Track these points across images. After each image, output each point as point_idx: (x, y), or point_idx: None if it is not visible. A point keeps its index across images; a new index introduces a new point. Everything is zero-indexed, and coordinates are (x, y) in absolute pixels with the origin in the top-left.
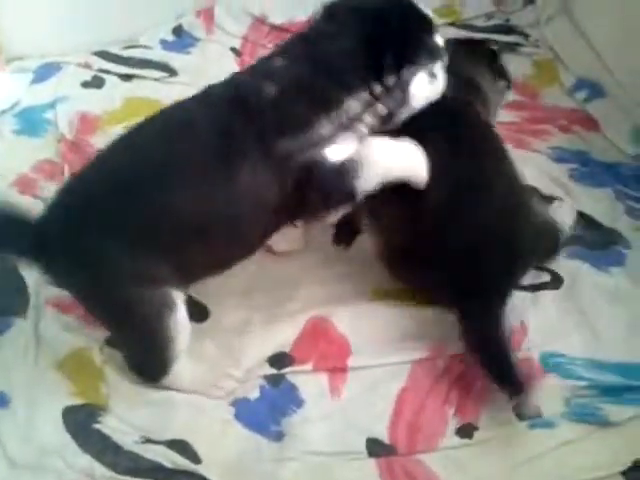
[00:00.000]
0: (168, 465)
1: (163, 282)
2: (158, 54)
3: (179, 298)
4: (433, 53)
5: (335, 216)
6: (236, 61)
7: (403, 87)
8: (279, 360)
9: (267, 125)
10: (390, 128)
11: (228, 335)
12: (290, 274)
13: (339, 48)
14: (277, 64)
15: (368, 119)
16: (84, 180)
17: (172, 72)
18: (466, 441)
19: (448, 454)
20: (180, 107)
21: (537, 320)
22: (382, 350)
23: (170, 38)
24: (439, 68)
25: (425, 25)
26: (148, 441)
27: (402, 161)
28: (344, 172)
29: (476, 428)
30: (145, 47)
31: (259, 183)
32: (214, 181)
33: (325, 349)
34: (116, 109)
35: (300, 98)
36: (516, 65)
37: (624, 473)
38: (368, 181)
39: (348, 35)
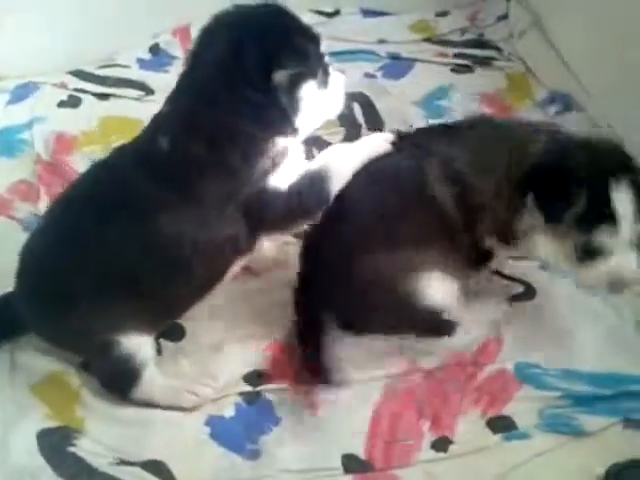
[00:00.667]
0: None
1: (126, 330)
2: (135, 73)
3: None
4: (310, 60)
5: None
6: None
7: (288, 93)
8: (255, 378)
9: (172, 175)
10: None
11: (204, 353)
12: (267, 291)
13: (212, 71)
14: (163, 112)
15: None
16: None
17: (149, 91)
18: (441, 455)
19: (424, 468)
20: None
21: (512, 331)
22: (357, 367)
23: (147, 57)
24: (334, 80)
25: (302, 33)
26: (123, 462)
27: (362, 156)
28: (309, 187)
29: (451, 442)
30: (122, 66)
31: (189, 228)
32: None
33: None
34: (93, 129)
35: (193, 140)
36: (490, 79)
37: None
38: (338, 185)
39: (218, 54)
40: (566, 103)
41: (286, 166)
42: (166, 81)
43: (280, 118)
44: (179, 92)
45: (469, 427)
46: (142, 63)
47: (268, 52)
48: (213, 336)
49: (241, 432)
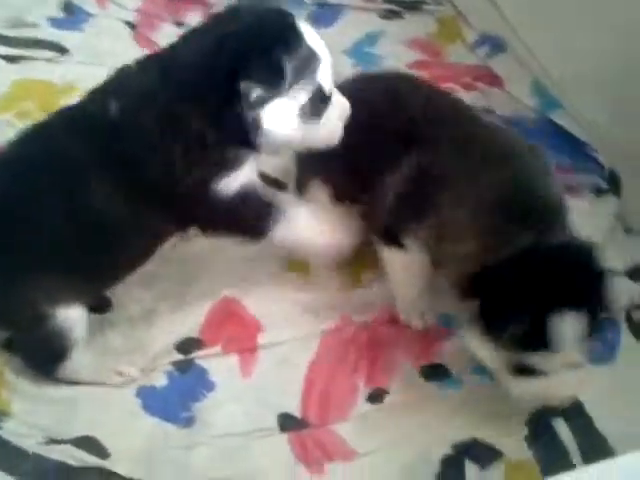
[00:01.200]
0: (74, 464)
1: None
2: (47, 32)
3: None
4: (286, 82)
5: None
6: (132, 36)
7: (253, 108)
8: (187, 345)
9: (112, 143)
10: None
11: (133, 324)
12: (195, 257)
13: (189, 58)
14: (125, 76)
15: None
16: None
17: (64, 51)
18: (377, 406)
19: (359, 420)
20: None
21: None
22: (291, 325)
23: (59, 15)
24: (332, 111)
25: (296, 50)
26: (53, 441)
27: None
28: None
29: (386, 392)
30: (32, 25)
31: (118, 203)
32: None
33: (234, 330)
34: (5, 93)
35: (145, 117)
36: (420, 24)
37: (528, 421)
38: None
39: (202, 45)
40: (497, 45)
41: (236, 175)
42: (81, 40)
43: (236, 130)
44: (151, 62)
45: (403, 377)
46: (54, 22)
47: (243, 58)
48: (142, 306)
49: (174, 400)
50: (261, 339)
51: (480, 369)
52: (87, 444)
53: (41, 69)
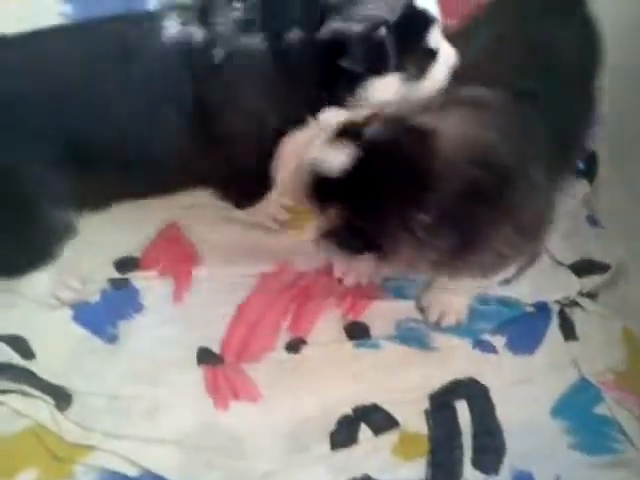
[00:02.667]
0: (1, 359)
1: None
2: None
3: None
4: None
5: None
6: None
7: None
8: (126, 264)
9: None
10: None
11: (76, 239)
12: None
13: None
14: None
15: None
16: None
17: None
18: (292, 355)
19: (272, 365)
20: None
21: None
22: (232, 262)
23: None
24: (437, 66)
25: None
26: None
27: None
28: None
29: (305, 342)
30: None
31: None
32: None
33: (175, 257)
34: None
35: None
36: None
37: (431, 396)
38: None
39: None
40: None
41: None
42: None
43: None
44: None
45: (325, 330)
46: None
47: (346, 36)
48: (87, 223)
49: (103, 316)
50: (199, 270)
51: (402, 337)
52: (16, 343)
53: None
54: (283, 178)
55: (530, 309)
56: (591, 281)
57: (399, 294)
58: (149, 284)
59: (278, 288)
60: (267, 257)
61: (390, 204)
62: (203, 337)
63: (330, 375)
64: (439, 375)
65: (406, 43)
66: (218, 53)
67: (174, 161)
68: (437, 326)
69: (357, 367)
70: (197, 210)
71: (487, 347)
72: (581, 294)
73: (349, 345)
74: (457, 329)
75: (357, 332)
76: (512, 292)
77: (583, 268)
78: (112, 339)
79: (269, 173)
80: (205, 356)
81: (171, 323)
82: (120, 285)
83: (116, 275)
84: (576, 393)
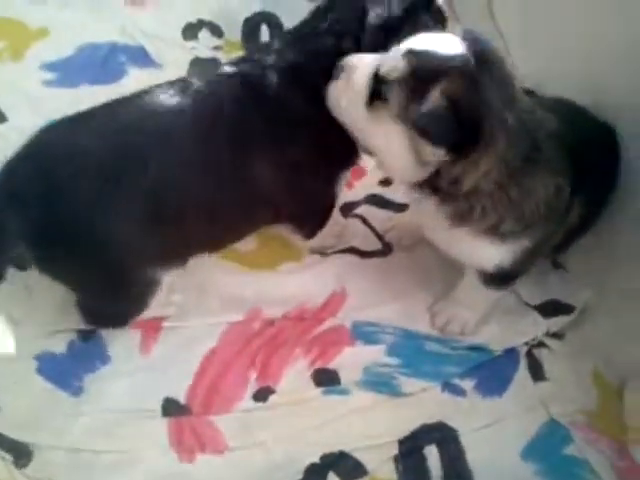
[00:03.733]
0: None
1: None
2: None
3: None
4: None
5: None
6: None
7: None
8: None
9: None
10: None
11: (45, 286)
12: None
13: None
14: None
15: None
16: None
17: None
18: (260, 404)
19: (240, 416)
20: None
21: (359, 287)
22: (201, 310)
23: None
24: None
25: None
26: None
27: None
28: None
29: (273, 391)
30: None
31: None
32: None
33: None
34: None
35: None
36: None
37: (400, 441)
38: None
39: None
40: None
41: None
42: None
43: None
44: (300, 39)
45: (294, 378)
46: None
47: None
48: None
49: (69, 369)
50: (166, 321)
51: (370, 382)
52: None
53: (19, 9)
54: None
55: (499, 353)
56: (557, 322)
57: (369, 340)
58: (116, 335)
59: (248, 336)
60: (237, 303)
61: None
62: (169, 388)
63: (298, 424)
64: (408, 420)
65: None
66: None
67: (254, 207)
68: (441, 332)
69: (325, 414)
70: None
71: (456, 390)
72: (548, 335)
73: (317, 392)
74: (426, 373)
75: (326, 379)
76: (481, 338)
77: (549, 309)
78: (77, 392)
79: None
80: (171, 407)
81: (137, 374)
82: (88, 336)
83: (83, 325)
84: (546, 435)
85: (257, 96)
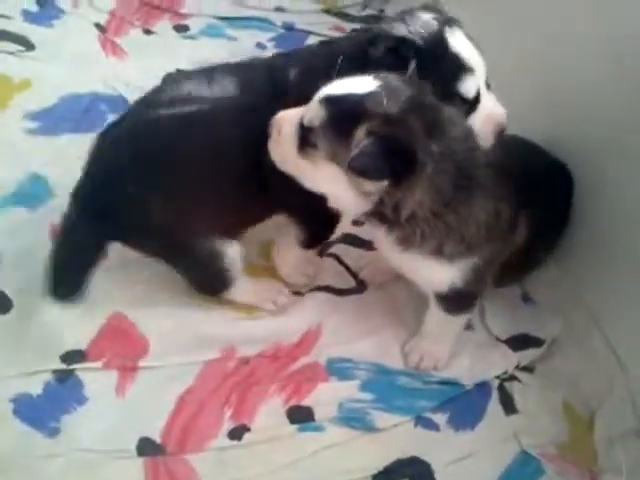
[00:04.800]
0: None
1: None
2: (18, 25)
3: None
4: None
5: None
6: (99, 38)
7: None
8: (71, 357)
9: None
10: None
11: (24, 328)
12: (104, 269)
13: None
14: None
15: None
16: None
17: (29, 46)
18: (234, 442)
19: (214, 455)
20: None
21: (334, 324)
22: (176, 350)
23: (34, 9)
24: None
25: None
26: None
27: None
28: None
29: (248, 429)
30: (4, 17)
31: None
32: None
33: (121, 348)
34: None
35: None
36: None
37: (374, 477)
38: None
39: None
40: None
41: None
42: (48, 36)
43: None
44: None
45: (269, 416)
46: (27, 15)
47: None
48: (39, 312)
49: (45, 410)
50: (144, 361)
51: (344, 418)
52: None
53: (2, 61)
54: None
55: (470, 387)
56: (527, 355)
57: (343, 376)
58: (94, 376)
59: (223, 375)
60: (212, 343)
61: None
62: (144, 427)
63: (273, 461)
64: (382, 455)
65: (433, 77)
66: None
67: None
68: (416, 370)
69: (300, 452)
70: (144, 300)
71: (429, 424)
72: (518, 368)
73: (292, 429)
74: (399, 408)
75: (300, 416)
76: (453, 372)
77: (519, 343)
78: (53, 433)
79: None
80: (146, 447)
81: (113, 415)
82: (65, 377)
83: (62, 366)
84: (518, 467)
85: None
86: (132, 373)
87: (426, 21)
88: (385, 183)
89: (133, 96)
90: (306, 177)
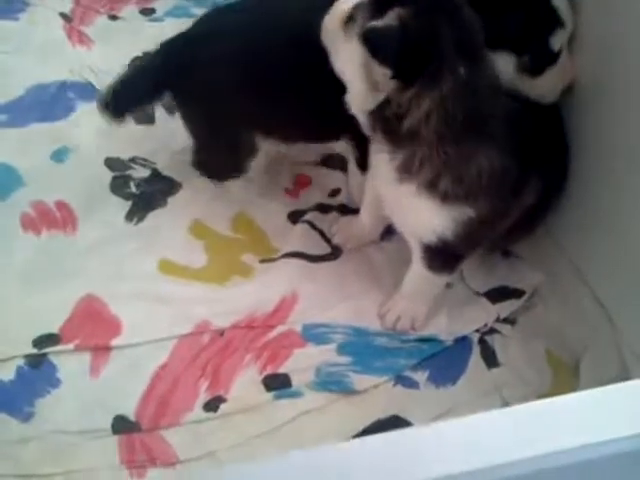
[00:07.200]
0: None
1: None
2: None
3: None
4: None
5: None
6: (64, 27)
7: None
8: (44, 340)
9: None
10: None
11: None
12: (73, 251)
13: None
14: None
15: None
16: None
17: None
18: (210, 414)
19: (191, 428)
20: None
21: (309, 290)
22: (150, 327)
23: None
24: None
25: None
26: None
27: None
28: None
29: (224, 400)
30: None
31: None
32: None
33: (93, 329)
34: None
35: None
36: None
37: (353, 437)
38: None
39: None
40: None
41: None
42: (13, 29)
43: None
44: None
45: (245, 385)
46: None
47: None
48: (10, 294)
49: (19, 395)
50: (117, 340)
51: (322, 382)
52: None
53: None
54: None
55: (450, 343)
56: (506, 307)
57: (319, 341)
58: (66, 358)
59: (197, 349)
60: (186, 317)
61: None
62: (119, 406)
63: (249, 431)
64: (361, 417)
65: (529, 31)
66: None
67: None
68: (393, 331)
69: (277, 419)
70: (115, 278)
71: (409, 383)
72: (499, 321)
73: (268, 397)
74: (377, 369)
75: (277, 383)
76: (431, 329)
77: (498, 295)
78: (27, 417)
79: None
80: (120, 424)
81: (87, 395)
82: (37, 362)
83: (33, 351)
84: None
85: None
86: (105, 353)
87: None
88: (390, 79)
89: (101, 82)
90: (335, 52)
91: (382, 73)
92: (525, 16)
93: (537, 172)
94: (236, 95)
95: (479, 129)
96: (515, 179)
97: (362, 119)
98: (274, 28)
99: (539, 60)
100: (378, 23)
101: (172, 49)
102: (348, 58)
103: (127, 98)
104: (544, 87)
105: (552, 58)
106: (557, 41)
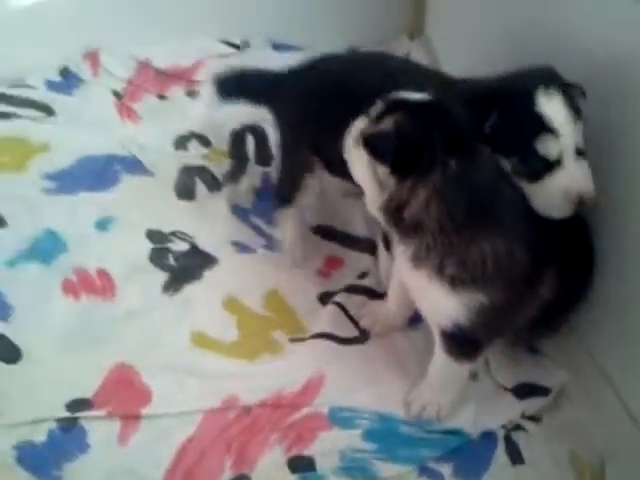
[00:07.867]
0: None
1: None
2: (42, 94)
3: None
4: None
5: None
6: (115, 104)
7: None
8: (77, 405)
9: None
10: None
11: (31, 378)
12: (110, 318)
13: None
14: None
15: None
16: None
17: (50, 112)
18: None
19: None
20: None
21: (336, 373)
22: (179, 399)
23: (57, 79)
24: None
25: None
26: None
27: None
28: None
29: (248, 479)
30: (29, 87)
31: None
32: None
33: (125, 397)
34: None
35: None
36: None
37: None
38: None
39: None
40: None
41: None
42: (68, 103)
43: None
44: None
45: (269, 466)
46: (50, 85)
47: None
48: (51, 358)
49: (49, 458)
50: (146, 409)
51: (346, 468)
52: None
53: (24, 127)
54: None
55: (475, 437)
56: (533, 404)
57: (345, 425)
58: (97, 424)
59: (225, 424)
60: (215, 391)
61: None
62: (145, 476)
63: None
64: None
65: (506, 133)
66: None
67: None
68: (418, 420)
69: None
70: (148, 349)
71: (434, 475)
72: (525, 417)
73: (293, 479)
74: (402, 458)
75: (301, 466)
76: (456, 421)
77: (524, 391)
78: None
79: None
80: None
81: (115, 463)
82: (69, 426)
83: (66, 414)
84: None
85: None
86: (135, 422)
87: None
88: (389, 172)
89: (146, 157)
90: (353, 164)
91: (383, 172)
92: (499, 117)
93: (553, 266)
94: (308, 125)
95: (480, 217)
96: (527, 268)
97: (378, 216)
98: (354, 84)
99: (528, 165)
100: (376, 127)
101: (279, 77)
102: (360, 164)
103: (237, 86)
104: (545, 196)
105: (547, 165)
106: (547, 148)
